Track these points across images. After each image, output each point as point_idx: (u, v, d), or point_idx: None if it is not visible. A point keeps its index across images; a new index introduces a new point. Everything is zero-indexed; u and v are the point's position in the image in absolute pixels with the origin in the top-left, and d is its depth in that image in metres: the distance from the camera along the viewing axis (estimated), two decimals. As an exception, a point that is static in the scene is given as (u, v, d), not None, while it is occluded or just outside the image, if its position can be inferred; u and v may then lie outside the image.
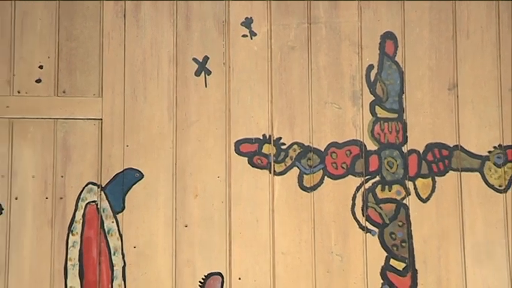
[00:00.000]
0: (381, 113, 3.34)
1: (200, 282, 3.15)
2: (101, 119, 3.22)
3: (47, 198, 3.15)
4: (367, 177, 3.28)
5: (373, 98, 3.35)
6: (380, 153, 3.31)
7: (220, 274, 3.16)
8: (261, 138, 3.28)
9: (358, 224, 3.25)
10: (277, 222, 3.22)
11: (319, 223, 3.23)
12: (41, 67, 3.24)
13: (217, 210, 3.21)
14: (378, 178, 3.29)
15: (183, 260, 3.16)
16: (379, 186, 3.28)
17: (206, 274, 3.16)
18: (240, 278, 3.17)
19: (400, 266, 3.22)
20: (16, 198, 3.14)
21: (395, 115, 3.34)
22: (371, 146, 3.31)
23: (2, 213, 3.12)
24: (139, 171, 3.20)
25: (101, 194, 3.17)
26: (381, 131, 3.32)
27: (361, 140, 3.31)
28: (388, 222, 3.25)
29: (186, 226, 3.19)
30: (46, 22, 3.27)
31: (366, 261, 3.21)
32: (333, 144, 3.30)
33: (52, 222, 3.14)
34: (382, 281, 3.20)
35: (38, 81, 3.23)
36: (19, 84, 3.22)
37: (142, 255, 3.15)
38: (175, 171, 3.22)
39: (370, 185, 3.28)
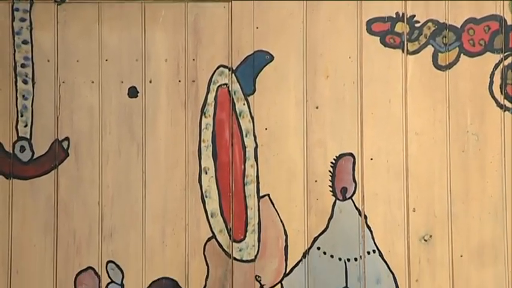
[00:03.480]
0: (523, -16, 3.16)
1: (332, 162, 3.13)
2: (230, 1, 3.19)
3: (179, 81, 3.19)
4: (506, 54, 3.12)
5: (515, -31, 3.16)
6: (521, 28, 3.15)
7: (351, 155, 3.13)
8: (394, 16, 3.16)
9: (496, 102, 3.12)
10: (410, 102, 3.13)
11: (454, 102, 3.13)
12: (170, -50, 3.24)
13: (348, 91, 3.16)
14: (518, 54, 3.14)
15: (314, 140, 3.15)
16: (520, 63, 3.13)
17: (337, 155, 3.14)
18: (371, 159, 3.13)
19: (540, 143, 3.10)
20: (150, 82, 3.20)
21: (540, -13, 3.15)
22: (512, 21, 3.16)
23: (137, 96, 3.19)
24: (270, 53, 3.18)
25: (231, 77, 3.18)
26: (523, 4, 3.14)
27: (501, 14, 3.14)
28: (528, 100, 3.12)
29: (317, 107, 3.16)
30: None
31: (503, 140, 3.10)
32: (470, 20, 3.15)
33: (185, 104, 3.19)
34: (521, 159, 3.10)
35: (168, -36, 3.24)
36: (150, -32, 3.24)
37: (273, 137, 3.16)
38: (305, 52, 3.17)
39: (510, 61, 3.12)
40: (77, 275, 3.14)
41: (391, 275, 3.10)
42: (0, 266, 3.14)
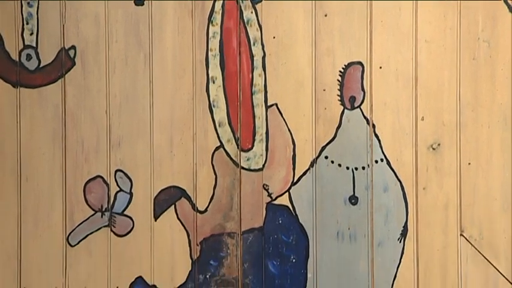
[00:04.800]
0: None
1: (340, 71, 3.11)
2: None
3: (186, -12, 3.15)
4: (520, -40, 3.07)
5: None
6: None
7: (360, 63, 3.11)
8: None
9: (509, 8, 3.06)
10: (420, 10, 3.08)
11: (465, 9, 3.07)
12: None
13: (357, -2, 3.12)
14: (532, -40, 3.07)
15: (323, 49, 3.11)
16: (534, -31, 3.06)
17: (346, 63, 3.11)
18: (380, 67, 3.10)
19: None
20: (156, -11, 3.16)
21: None
22: None
23: (143, 4, 3.15)
24: (278, -35, 3.13)
25: (239, -16, 3.14)
26: None
27: None
28: (543, 6, 3.07)
29: (325, 15, 3.11)
30: None
31: (516, 46, 3.08)
32: None
33: (192, 12, 3.14)
34: (532, 66, 3.07)
35: None
36: None
37: (281, 45, 3.13)
38: (314, -41, 3.12)
39: (524, -34, 3.07)
40: (86, 183, 3.16)
41: (398, 183, 3.11)
42: (10, 173, 3.16)
